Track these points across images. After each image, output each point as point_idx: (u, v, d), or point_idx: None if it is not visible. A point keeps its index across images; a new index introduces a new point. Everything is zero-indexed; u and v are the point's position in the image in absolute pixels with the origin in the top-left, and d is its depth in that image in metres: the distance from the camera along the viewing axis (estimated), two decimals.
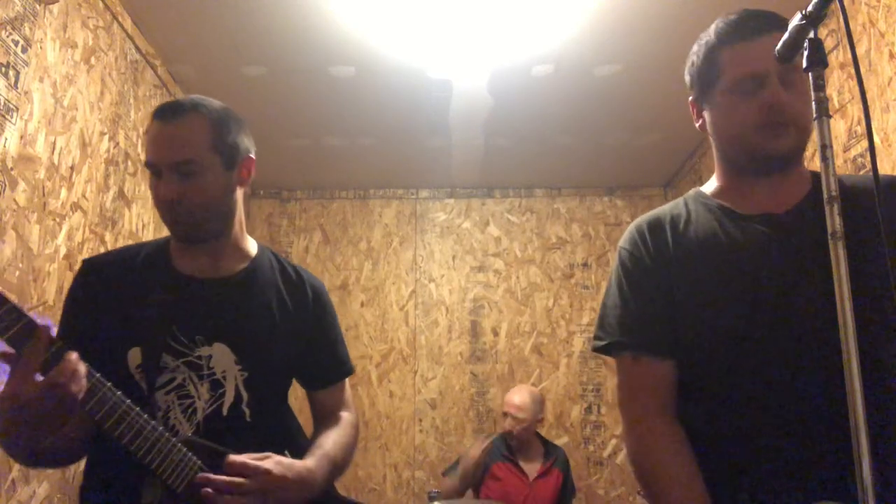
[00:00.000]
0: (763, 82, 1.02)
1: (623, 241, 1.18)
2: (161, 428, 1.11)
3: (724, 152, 1.12)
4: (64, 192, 2.01)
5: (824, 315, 0.84)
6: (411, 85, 2.84)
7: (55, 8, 1.93)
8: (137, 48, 2.48)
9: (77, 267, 2.08)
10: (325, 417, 1.42)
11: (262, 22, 2.42)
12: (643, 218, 1.18)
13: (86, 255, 2.15)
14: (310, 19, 2.41)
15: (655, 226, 1.14)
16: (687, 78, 1.17)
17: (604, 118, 3.17)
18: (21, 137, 1.78)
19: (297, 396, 1.40)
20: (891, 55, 1.92)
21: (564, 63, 2.70)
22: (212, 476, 1.10)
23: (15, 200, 1.76)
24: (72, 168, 2.05)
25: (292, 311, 1.34)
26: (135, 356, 1.20)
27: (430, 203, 4.08)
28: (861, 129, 2.08)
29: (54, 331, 1.15)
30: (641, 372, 1.09)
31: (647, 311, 1.09)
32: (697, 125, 1.16)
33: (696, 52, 1.13)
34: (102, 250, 2.27)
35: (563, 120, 3.18)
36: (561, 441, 3.64)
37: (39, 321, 1.00)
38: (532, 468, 3.11)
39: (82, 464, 1.25)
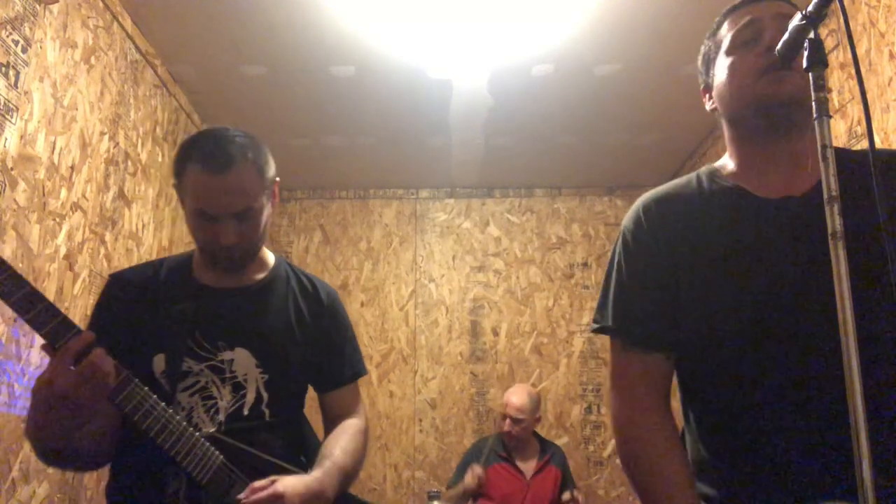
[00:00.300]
0: (758, 31, 1.00)
1: (627, 218, 1.13)
2: (185, 423, 1.18)
3: (731, 116, 1.07)
4: (64, 192, 2.01)
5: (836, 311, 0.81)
6: (411, 85, 2.84)
7: (55, 8, 1.93)
8: (137, 48, 2.48)
9: (76, 266, 2.09)
10: (335, 420, 1.47)
11: (262, 22, 2.42)
12: (650, 195, 1.12)
13: (86, 255, 2.15)
14: (310, 19, 2.41)
15: (663, 204, 1.09)
16: (698, 70, 1.15)
17: (604, 118, 3.17)
18: (21, 137, 1.78)
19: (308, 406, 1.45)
20: (891, 55, 1.92)
21: (564, 63, 2.69)
22: None
23: (15, 200, 1.76)
24: (72, 168, 2.05)
25: (308, 318, 1.42)
26: (159, 362, 1.27)
27: (430, 203, 4.08)
28: (861, 129, 2.08)
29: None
30: (631, 363, 1.06)
31: (644, 300, 1.05)
32: (708, 107, 1.12)
33: (703, 44, 1.13)
34: (102, 250, 2.27)
35: (563, 120, 3.18)
36: (561, 441, 3.63)
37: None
38: (528, 466, 3.11)
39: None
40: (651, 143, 3.44)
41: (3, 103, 1.70)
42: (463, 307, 3.92)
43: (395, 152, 3.56)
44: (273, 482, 1.18)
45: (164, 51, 2.62)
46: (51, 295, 1.92)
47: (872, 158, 0.71)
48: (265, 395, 1.31)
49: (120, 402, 1.11)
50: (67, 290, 2.03)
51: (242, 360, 1.31)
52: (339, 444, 1.37)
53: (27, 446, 1.81)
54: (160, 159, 2.76)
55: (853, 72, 2.12)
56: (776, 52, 0.89)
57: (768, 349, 0.96)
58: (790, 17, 0.88)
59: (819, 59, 0.77)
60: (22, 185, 1.79)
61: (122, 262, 2.40)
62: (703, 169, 1.13)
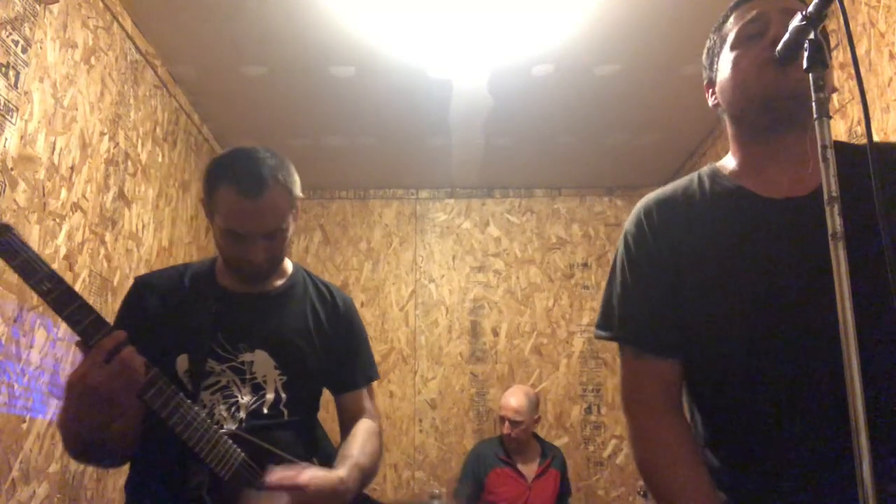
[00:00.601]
0: (764, 25, 0.99)
1: (629, 222, 1.11)
2: (209, 420, 1.23)
3: (735, 112, 1.05)
4: (64, 193, 2.01)
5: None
6: (411, 85, 2.84)
7: (55, 8, 1.93)
8: (137, 48, 2.48)
9: (76, 267, 2.08)
10: (350, 421, 1.53)
11: (262, 22, 2.42)
12: (651, 198, 1.10)
13: (86, 255, 2.15)
14: (310, 19, 2.41)
15: (665, 206, 1.07)
16: (702, 65, 1.14)
17: (604, 118, 3.17)
18: (21, 137, 1.78)
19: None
20: (891, 55, 1.92)
21: (564, 63, 2.69)
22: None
23: (15, 200, 1.76)
24: (72, 168, 2.05)
25: (325, 323, 1.49)
26: (182, 362, 1.32)
27: (430, 203, 4.08)
28: (861, 129, 2.08)
29: None
30: (644, 370, 1.05)
31: (651, 304, 1.04)
32: (711, 104, 1.11)
33: (708, 39, 1.12)
34: (102, 251, 2.27)
35: (564, 120, 3.18)
36: (561, 441, 3.64)
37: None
38: (529, 469, 3.11)
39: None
40: (651, 143, 3.44)
41: (3, 103, 1.70)
42: (463, 307, 3.92)
43: (395, 152, 3.56)
44: (299, 472, 1.22)
45: (164, 51, 2.62)
46: None
47: (871, 160, 0.71)
48: (283, 396, 1.37)
49: (148, 398, 1.15)
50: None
51: (262, 362, 1.37)
52: (358, 445, 1.42)
53: (27, 446, 1.80)
54: (160, 159, 2.76)
55: (853, 72, 2.12)
56: (776, 53, 0.89)
57: (772, 352, 0.95)
58: (796, 12, 0.87)
59: (819, 60, 0.77)
60: (22, 186, 1.79)
61: (122, 263, 2.40)
62: (705, 169, 1.11)
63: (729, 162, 1.09)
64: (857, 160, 0.94)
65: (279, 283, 1.47)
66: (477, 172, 3.85)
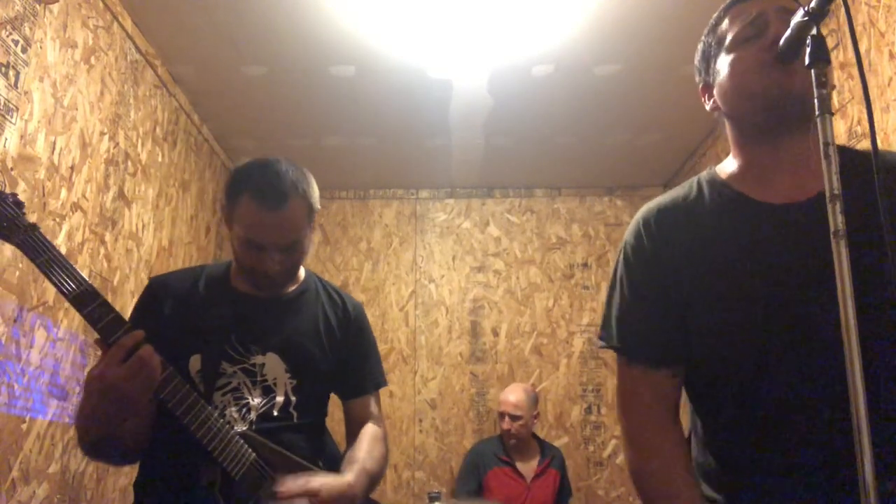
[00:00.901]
0: (763, 26, 0.97)
1: (628, 233, 1.10)
2: (222, 420, 1.25)
3: (736, 115, 1.04)
4: (64, 192, 2.01)
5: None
6: (411, 85, 2.84)
7: (55, 8, 1.93)
8: (137, 48, 2.48)
9: (77, 266, 2.08)
10: (357, 425, 1.55)
11: (262, 22, 2.42)
12: (651, 208, 1.09)
13: (86, 255, 2.15)
14: (310, 19, 2.41)
15: (664, 216, 1.06)
16: (696, 68, 1.13)
17: (604, 118, 3.17)
18: (21, 137, 1.78)
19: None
20: (891, 55, 1.92)
21: (564, 63, 2.69)
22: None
23: None
24: (72, 168, 2.05)
25: (336, 329, 1.52)
26: (195, 363, 1.35)
27: (430, 203, 4.08)
28: (861, 128, 2.08)
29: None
30: (637, 380, 1.05)
31: (647, 316, 1.04)
32: (708, 107, 1.09)
33: (701, 41, 1.11)
34: (102, 250, 2.27)
35: (563, 120, 3.18)
36: (561, 441, 3.63)
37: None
38: (529, 469, 3.11)
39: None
40: (651, 143, 3.44)
41: (3, 103, 1.70)
42: (463, 307, 3.91)
43: (395, 152, 3.56)
44: (310, 479, 1.24)
45: (164, 51, 2.62)
46: (51, 295, 1.92)
47: (875, 153, 0.71)
48: (293, 399, 1.39)
49: (164, 396, 1.18)
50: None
51: (273, 365, 1.39)
52: (365, 450, 1.45)
53: (27, 446, 1.80)
54: (160, 159, 2.76)
55: (853, 72, 2.12)
56: (778, 49, 0.89)
57: (776, 357, 0.95)
58: (794, 12, 0.86)
59: (822, 56, 0.77)
60: (22, 185, 1.79)
61: (122, 263, 2.40)
62: (704, 174, 1.10)
63: (728, 166, 1.08)
64: (858, 164, 0.94)
65: (292, 288, 1.50)
66: (477, 172, 3.85)
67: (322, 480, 1.26)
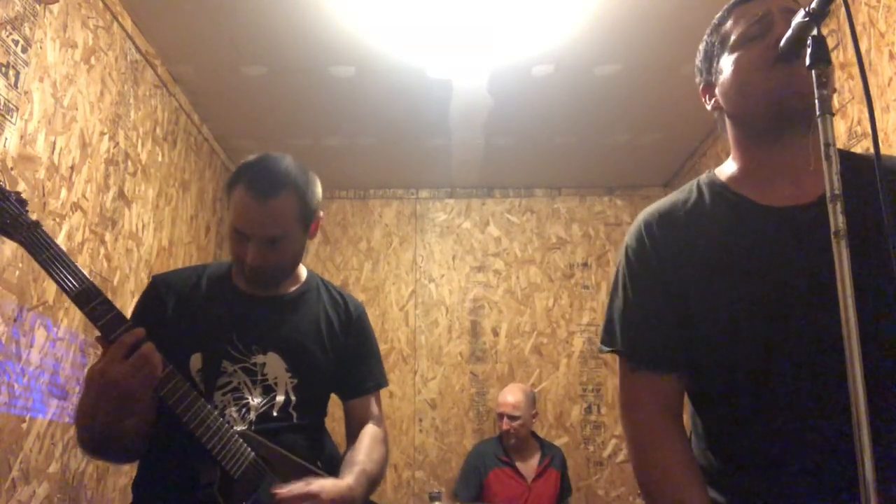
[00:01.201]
0: (767, 25, 0.97)
1: (629, 236, 1.10)
2: (222, 419, 1.25)
3: (738, 115, 1.03)
4: (64, 192, 2.01)
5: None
6: (411, 85, 2.84)
7: (55, 8, 1.93)
8: (137, 48, 2.48)
9: (78, 264, 2.08)
10: (357, 426, 1.56)
11: (262, 22, 2.42)
12: (652, 211, 1.09)
13: (86, 255, 2.15)
14: (310, 19, 2.41)
15: (665, 220, 1.06)
16: (696, 68, 1.12)
17: (604, 118, 3.17)
18: (21, 137, 1.78)
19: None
20: (891, 55, 1.92)
21: (564, 63, 2.69)
22: None
23: None
24: (72, 168, 2.05)
25: (337, 329, 1.51)
26: (196, 361, 1.34)
27: (430, 203, 4.08)
28: (861, 128, 2.08)
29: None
30: (641, 385, 1.05)
31: (652, 321, 1.03)
32: (709, 107, 1.09)
33: (703, 38, 1.10)
34: (102, 250, 2.27)
35: (563, 120, 3.18)
36: (561, 441, 3.63)
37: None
38: (529, 469, 3.11)
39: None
40: (651, 143, 3.44)
41: (3, 103, 1.70)
42: (463, 307, 3.91)
43: (395, 152, 3.56)
44: (309, 482, 1.24)
45: (164, 51, 2.62)
46: (51, 295, 1.92)
47: (877, 153, 0.71)
48: (293, 399, 1.39)
49: (165, 394, 1.18)
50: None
51: (274, 364, 1.38)
52: (364, 451, 1.45)
53: (27, 446, 1.80)
54: (160, 159, 2.76)
55: (853, 72, 2.12)
56: (779, 50, 0.88)
57: (778, 359, 0.95)
58: (798, 10, 0.86)
59: (822, 57, 0.77)
60: (22, 185, 1.79)
61: (122, 263, 2.40)
62: (703, 177, 1.10)
63: (728, 168, 1.08)
64: (859, 168, 0.94)
65: (293, 288, 1.50)
66: (477, 172, 3.85)
67: (322, 483, 1.25)
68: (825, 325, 0.89)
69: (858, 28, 2.06)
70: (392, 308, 3.92)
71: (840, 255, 0.71)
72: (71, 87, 2.03)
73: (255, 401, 1.35)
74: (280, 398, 1.37)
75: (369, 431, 1.52)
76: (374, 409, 1.59)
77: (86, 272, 2.13)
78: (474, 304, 3.92)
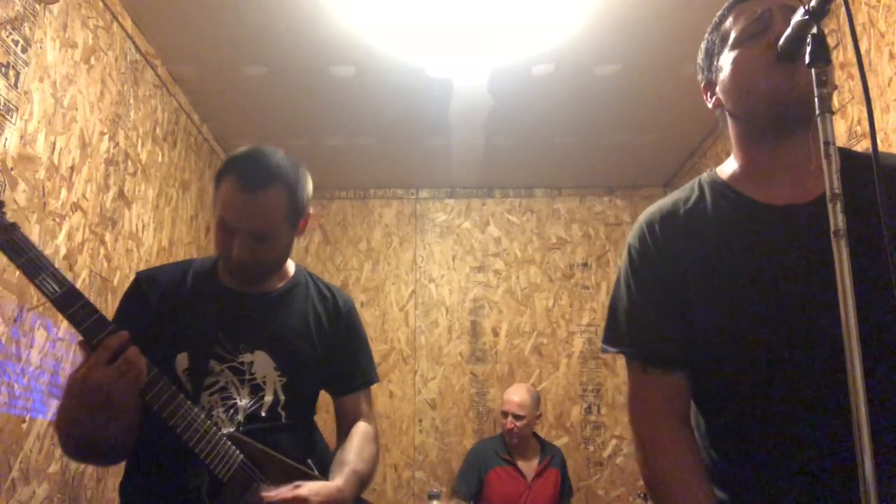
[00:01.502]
0: (767, 23, 0.97)
1: (632, 236, 1.10)
2: (210, 422, 1.22)
3: (740, 113, 1.03)
4: (64, 192, 2.01)
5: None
6: (411, 85, 2.84)
7: (55, 8, 1.93)
8: (137, 48, 2.48)
9: (76, 267, 2.08)
10: (347, 423, 1.53)
11: (262, 22, 2.42)
12: (654, 211, 1.10)
13: (86, 255, 2.15)
14: (310, 19, 2.41)
15: (667, 220, 1.06)
16: (698, 66, 1.12)
17: (604, 118, 3.17)
18: (21, 137, 1.78)
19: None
20: (891, 55, 1.92)
21: (564, 63, 2.69)
22: None
23: (15, 200, 1.76)
24: (72, 168, 2.05)
25: (325, 324, 1.48)
26: (182, 361, 1.31)
27: (430, 203, 4.08)
28: (861, 128, 2.08)
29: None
30: (652, 384, 1.05)
31: (658, 319, 1.04)
32: (711, 104, 1.09)
33: (704, 39, 1.10)
34: (102, 251, 2.27)
35: (563, 120, 3.18)
36: (561, 441, 3.63)
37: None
38: (529, 468, 3.12)
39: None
40: (651, 143, 3.44)
41: (3, 103, 1.70)
42: (463, 307, 3.91)
43: (395, 152, 3.56)
44: (297, 485, 1.22)
45: (164, 51, 2.62)
46: None
47: (875, 153, 0.71)
48: (282, 398, 1.36)
49: (150, 398, 1.15)
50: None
51: (262, 363, 1.36)
52: (355, 450, 1.42)
53: (27, 446, 1.80)
54: (160, 159, 2.76)
55: (853, 72, 2.12)
56: (778, 48, 0.88)
57: (778, 357, 0.95)
58: (798, 8, 0.86)
59: (822, 55, 0.77)
60: (22, 185, 1.79)
61: (122, 263, 2.40)
62: (705, 176, 1.10)
63: (729, 167, 1.08)
64: (859, 167, 0.94)
65: (281, 284, 1.46)
66: (477, 172, 3.85)
67: (311, 486, 1.23)
68: (824, 324, 0.90)
69: (858, 28, 2.06)
70: (392, 308, 3.92)
71: (840, 254, 0.70)
72: (71, 87, 2.03)
73: (244, 401, 1.32)
74: (269, 398, 1.34)
75: (360, 429, 1.50)
76: (365, 405, 1.57)
77: (86, 272, 2.14)
78: (474, 305, 3.92)
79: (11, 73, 1.73)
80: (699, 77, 1.13)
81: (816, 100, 0.75)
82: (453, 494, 3.17)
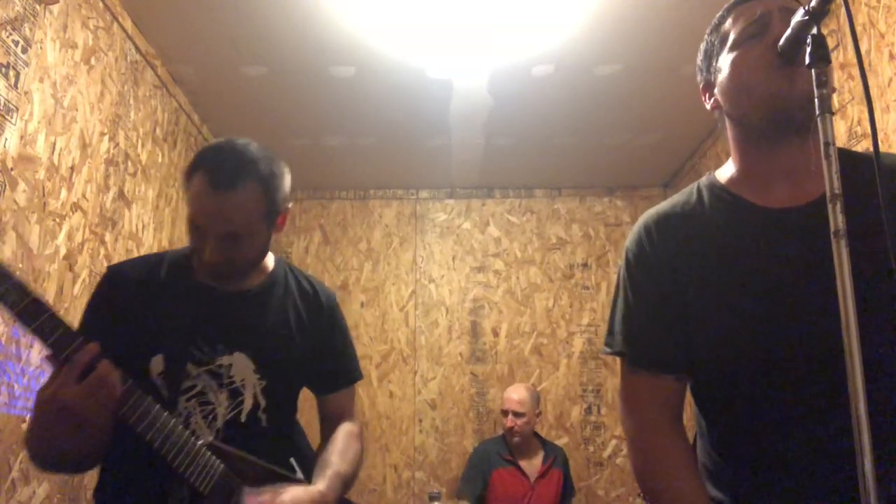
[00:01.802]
0: (766, 25, 0.97)
1: (629, 240, 1.11)
2: (188, 432, 1.16)
3: (738, 115, 1.03)
4: (64, 193, 2.01)
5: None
6: (411, 85, 2.84)
7: (55, 8, 1.93)
8: (137, 48, 2.48)
9: (76, 267, 2.08)
10: (331, 422, 1.49)
11: (262, 22, 2.42)
12: (651, 214, 1.11)
13: (86, 255, 2.15)
14: (310, 19, 2.41)
15: (664, 223, 1.07)
16: (697, 67, 1.12)
17: (604, 118, 3.17)
18: (21, 138, 1.78)
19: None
20: (891, 56, 1.92)
21: (564, 63, 2.69)
22: None
23: (15, 201, 1.76)
24: (72, 168, 2.05)
25: (306, 321, 1.41)
26: (157, 364, 1.24)
27: (430, 203, 4.08)
28: (861, 129, 2.08)
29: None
30: (641, 386, 1.06)
31: (651, 322, 1.04)
32: (709, 106, 1.09)
33: (704, 40, 1.11)
34: (102, 251, 2.26)
35: (563, 120, 3.18)
36: (561, 442, 3.63)
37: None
38: (532, 468, 3.12)
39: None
40: (651, 143, 3.44)
41: (3, 104, 1.70)
42: (463, 307, 3.91)
43: (395, 152, 3.56)
44: (277, 493, 1.19)
45: (164, 51, 2.62)
46: (51, 296, 1.92)
47: (877, 154, 0.71)
48: (262, 402, 1.31)
49: (124, 412, 1.09)
50: (67, 290, 2.03)
51: (241, 366, 1.30)
52: (338, 451, 1.39)
53: None
54: (160, 160, 2.76)
55: (854, 72, 2.12)
56: (778, 49, 0.88)
57: (776, 358, 0.95)
58: (795, 12, 0.86)
59: (822, 56, 0.77)
60: (22, 186, 1.79)
61: None
62: (704, 179, 1.11)
63: (728, 170, 1.08)
64: (858, 168, 0.94)
65: (259, 280, 1.38)
66: (477, 172, 3.85)
67: (292, 492, 1.20)
68: (822, 326, 0.90)
69: (858, 28, 2.06)
70: (392, 308, 3.92)
71: (840, 255, 0.70)
72: (71, 87, 2.03)
73: (222, 406, 1.26)
74: (248, 402, 1.29)
75: (343, 429, 1.46)
76: (349, 404, 1.53)
77: (85, 273, 2.14)
78: (474, 305, 3.92)
79: (11, 73, 1.73)
80: (698, 78, 1.13)
81: (816, 100, 0.75)
82: (458, 497, 3.17)
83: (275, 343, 1.34)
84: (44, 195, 1.90)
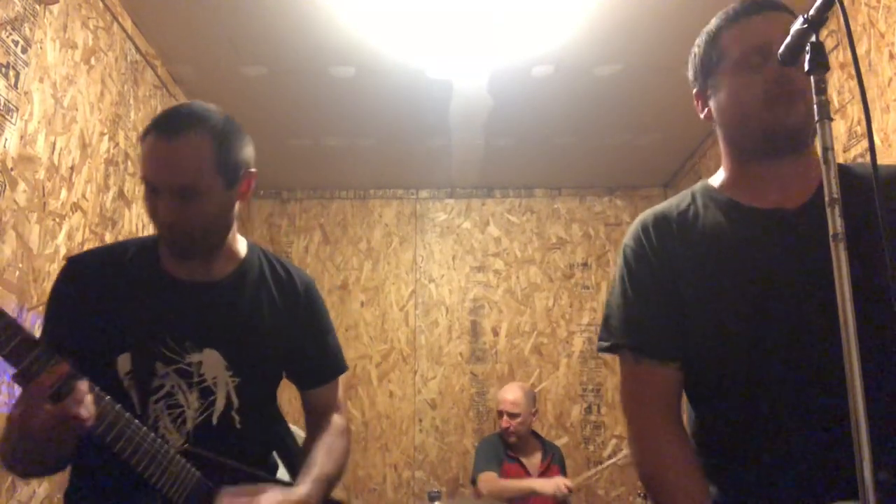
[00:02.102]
0: (767, 55, 0.99)
1: (627, 237, 1.14)
2: (160, 441, 1.11)
3: (732, 137, 1.08)
4: (64, 193, 2.01)
5: (836, 318, 0.79)
6: (411, 85, 2.84)
7: (55, 8, 1.93)
8: (137, 48, 2.48)
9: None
10: (317, 418, 1.41)
11: (262, 22, 2.42)
12: (648, 214, 1.14)
13: None
14: (310, 19, 2.41)
15: (661, 222, 1.10)
16: (690, 72, 1.14)
17: (604, 118, 3.17)
18: (21, 137, 1.78)
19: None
20: (891, 55, 1.92)
21: (564, 63, 2.69)
22: None
23: (15, 200, 1.76)
24: (72, 168, 2.05)
25: (283, 310, 1.32)
26: (124, 363, 1.18)
27: (430, 203, 4.08)
28: (861, 129, 2.09)
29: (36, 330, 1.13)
30: (644, 376, 1.07)
31: (651, 312, 1.07)
32: (702, 115, 1.12)
33: (698, 43, 1.12)
34: None
35: (563, 120, 3.18)
36: (561, 441, 3.64)
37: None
38: (533, 465, 3.12)
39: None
40: (651, 143, 3.44)
41: (3, 104, 1.70)
42: (463, 307, 3.92)
43: (395, 152, 3.56)
44: (253, 496, 1.13)
45: (164, 51, 2.62)
46: None
47: (874, 156, 0.71)
48: (235, 401, 1.23)
49: (101, 431, 1.04)
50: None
51: (212, 363, 1.22)
52: (324, 450, 1.32)
53: None
54: None
55: (853, 72, 2.12)
56: (777, 56, 0.89)
57: (765, 355, 0.97)
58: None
59: (821, 63, 0.78)
60: (22, 186, 1.79)
61: None
62: (698, 185, 1.15)
63: (720, 176, 1.12)
64: (854, 180, 0.96)
65: (231, 268, 1.28)
66: (477, 172, 3.85)
67: (271, 497, 1.14)
68: (810, 324, 0.93)
69: (858, 29, 2.06)
70: (392, 308, 3.92)
71: (838, 258, 0.71)
72: (71, 87, 2.03)
73: (192, 408, 1.19)
74: (220, 403, 1.21)
75: (330, 424, 1.39)
76: (334, 397, 1.44)
77: None
78: (474, 304, 3.92)
79: (11, 73, 1.73)
80: (691, 83, 1.14)
81: (815, 107, 0.77)
82: (478, 471, 3.10)
83: (247, 337, 1.25)
84: (44, 195, 1.90)
